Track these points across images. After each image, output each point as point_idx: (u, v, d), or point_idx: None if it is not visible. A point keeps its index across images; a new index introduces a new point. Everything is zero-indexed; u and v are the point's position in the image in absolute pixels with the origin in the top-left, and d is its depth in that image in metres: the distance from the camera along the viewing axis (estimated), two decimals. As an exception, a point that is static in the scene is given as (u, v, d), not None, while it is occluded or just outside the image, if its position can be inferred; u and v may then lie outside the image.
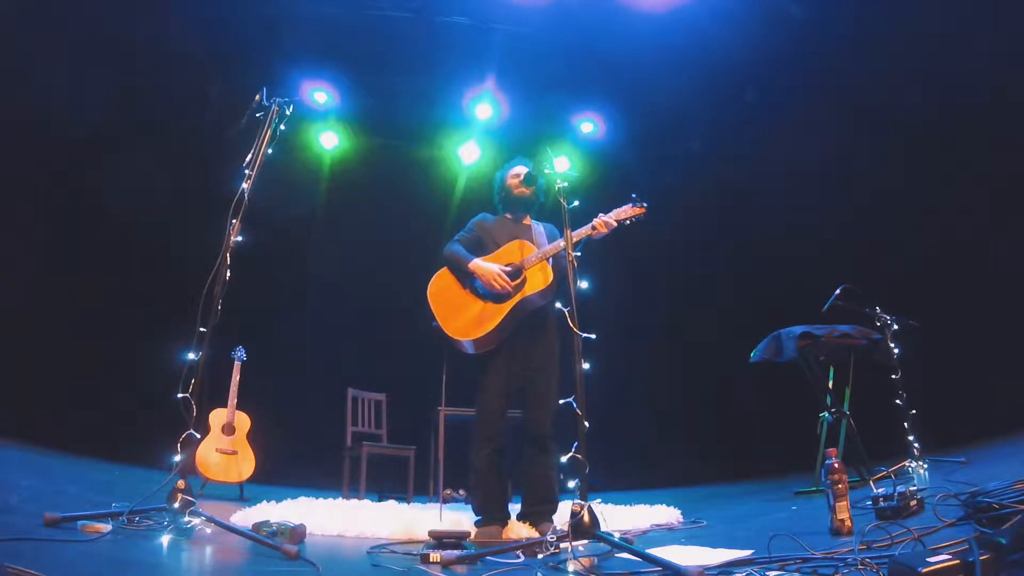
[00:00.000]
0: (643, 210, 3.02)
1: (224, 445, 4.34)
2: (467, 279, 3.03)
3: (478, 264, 2.99)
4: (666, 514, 3.59)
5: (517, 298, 2.91)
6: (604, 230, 2.94)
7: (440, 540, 2.45)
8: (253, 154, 2.70)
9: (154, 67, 5.51)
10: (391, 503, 4.17)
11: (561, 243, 2.81)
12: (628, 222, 3.00)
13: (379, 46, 5.85)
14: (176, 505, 2.16)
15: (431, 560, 2.12)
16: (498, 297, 2.93)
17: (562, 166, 5.22)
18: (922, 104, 5.00)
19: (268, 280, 6.08)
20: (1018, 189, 4.49)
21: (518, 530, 2.87)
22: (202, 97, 5.80)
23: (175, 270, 4.78)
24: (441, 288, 3.06)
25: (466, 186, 7.05)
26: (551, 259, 2.97)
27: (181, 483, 2.21)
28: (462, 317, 2.96)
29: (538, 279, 2.93)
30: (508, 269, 2.96)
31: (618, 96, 6.50)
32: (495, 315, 2.90)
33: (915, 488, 2.35)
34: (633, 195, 3.04)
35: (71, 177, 5.56)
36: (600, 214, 2.97)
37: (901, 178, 5.27)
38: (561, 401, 2.40)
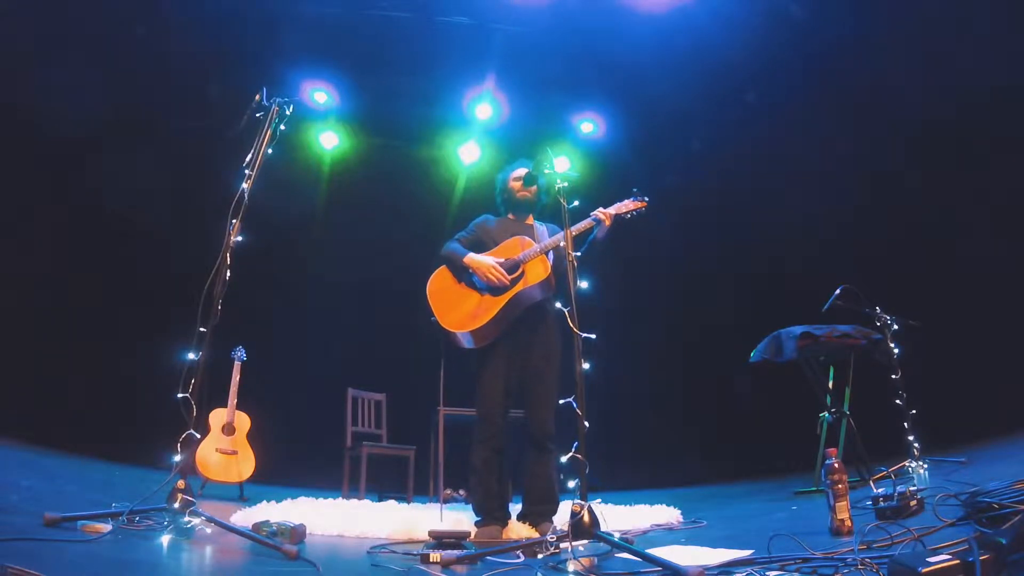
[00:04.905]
0: (644, 204, 3.04)
1: (224, 445, 4.34)
2: (463, 274, 3.04)
3: (473, 257, 3.00)
4: (666, 514, 3.59)
5: (515, 290, 2.91)
6: (607, 221, 2.95)
7: (440, 540, 2.45)
8: (253, 154, 2.70)
9: (154, 67, 5.51)
10: (391, 503, 4.17)
11: (560, 237, 2.82)
12: (629, 216, 3.03)
13: (379, 46, 5.85)
14: (176, 505, 2.16)
15: (431, 560, 2.12)
16: (495, 290, 2.94)
17: (562, 166, 5.22)
18: (922, 104, 5.00)
19: (268, 280, 6.07)
20: (1019, 189, 4.49)
21: (518, 530, 2.87)
22: (202, 97, 5.80)
23: (175, 270, 4.77)
24: (440, 286, 3.07)
25: (466, 186, 7.05)
26: (551, 255, 2.98)
27: (181, 483, 2.21)
28: (459, 310, 2.96)
29: (537, 271, 2.94)
30: (504, 263, 2.97)
31: (618, 96, 6.50)
32: (492, 307, 2.91)
33: (915, 488, 2.35)
34: (635, 189, 3.07)
35: (71, 177, 5.55)
36: (600, 207, 2.99)
37: (901, 178, 5.28)
38: (561, 401, 2.40)
